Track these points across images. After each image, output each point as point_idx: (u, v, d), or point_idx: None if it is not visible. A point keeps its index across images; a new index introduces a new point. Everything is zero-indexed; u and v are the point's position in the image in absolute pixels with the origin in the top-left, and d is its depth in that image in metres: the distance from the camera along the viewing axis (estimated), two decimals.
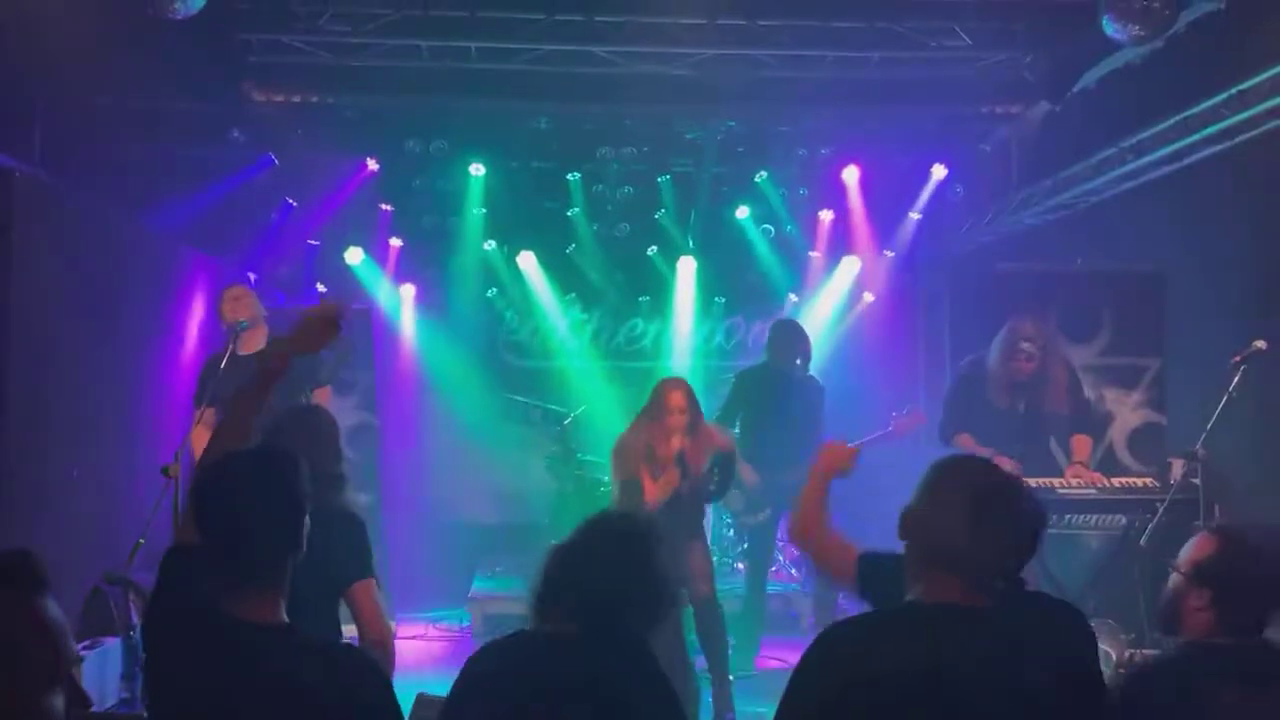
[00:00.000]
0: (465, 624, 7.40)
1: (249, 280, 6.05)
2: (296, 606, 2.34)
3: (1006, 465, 5.40)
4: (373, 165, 8.01)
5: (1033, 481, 5.42)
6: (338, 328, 2.79)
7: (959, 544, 2.23)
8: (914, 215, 8.64)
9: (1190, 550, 3.01)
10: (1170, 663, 2.88)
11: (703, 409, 5.56)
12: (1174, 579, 2.99)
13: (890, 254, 9.03)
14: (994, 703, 2.15)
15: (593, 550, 2.54)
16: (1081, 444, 5.82)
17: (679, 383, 5.56)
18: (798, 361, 6.62)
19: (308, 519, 2.36)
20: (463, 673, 2.50)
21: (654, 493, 5.28)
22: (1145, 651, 4.37)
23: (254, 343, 5.70)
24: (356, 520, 3.55)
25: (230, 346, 5.61)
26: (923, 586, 2.27)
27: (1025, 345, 5.73)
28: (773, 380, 6.58)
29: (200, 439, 4.94)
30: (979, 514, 2.23)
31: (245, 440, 2.64)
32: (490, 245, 9.03)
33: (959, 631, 2.18)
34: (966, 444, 5.73)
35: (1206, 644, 2.84)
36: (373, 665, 2.38)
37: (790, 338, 6.66)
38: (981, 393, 5.84)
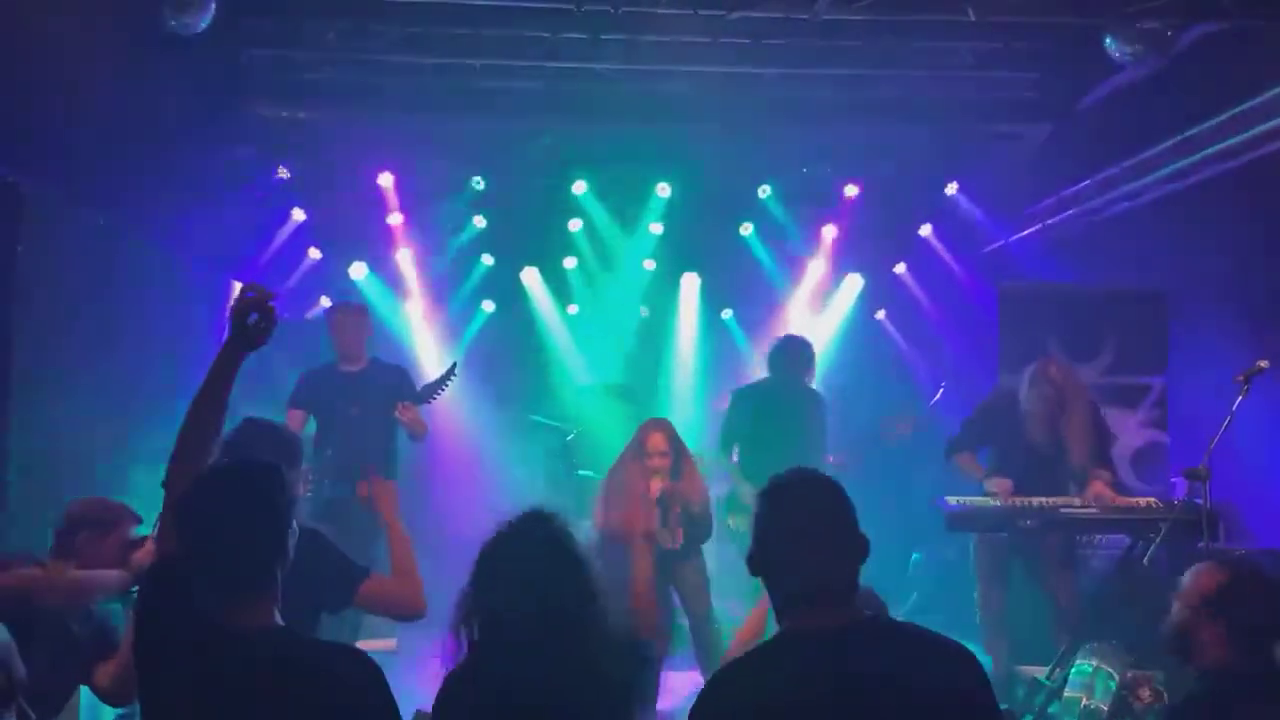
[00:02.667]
0: None
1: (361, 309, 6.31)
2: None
3: (1002, 486, 5.44)
4: (382, 181, 8.04)
5: (1036, 501, 5.41)
6: (269, 311, 2.68)
7: (807, 570, 2.22)
8: (921, 232, 8.68)
9: (1198, 582, 2.98)
10: (1204, 695, 2.91)
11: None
12: (1180, 610, 2.97)
13: (899, 270, 9.07)
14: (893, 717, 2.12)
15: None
16: (1101, 474, 5.69)
17: (661, 424, 5.59)
18: (805, 378, 6.56)
19: (295, 527, 2.40)
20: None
21: (643, 567, 4.74)
22: (1147, 673, 4.35)
23: (356, 363, 5.99)
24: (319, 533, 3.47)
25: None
26: (791, 617, 2.25)
27: (1047, 387, 5.60)
28: (775, 396, 6.51)
29: None
30: (807, 535, 2.23)
31: (211, 441, 2.67)
32: (492, 260, 9.05)
33: (847, 651, 2.15)
34: (966, 463, 5.78)
35: (1232, 672, 2.86)
36: (371, 665, 2.38)
37: (798, 354, 6.57)
38: (1006, 424, 5.72)
